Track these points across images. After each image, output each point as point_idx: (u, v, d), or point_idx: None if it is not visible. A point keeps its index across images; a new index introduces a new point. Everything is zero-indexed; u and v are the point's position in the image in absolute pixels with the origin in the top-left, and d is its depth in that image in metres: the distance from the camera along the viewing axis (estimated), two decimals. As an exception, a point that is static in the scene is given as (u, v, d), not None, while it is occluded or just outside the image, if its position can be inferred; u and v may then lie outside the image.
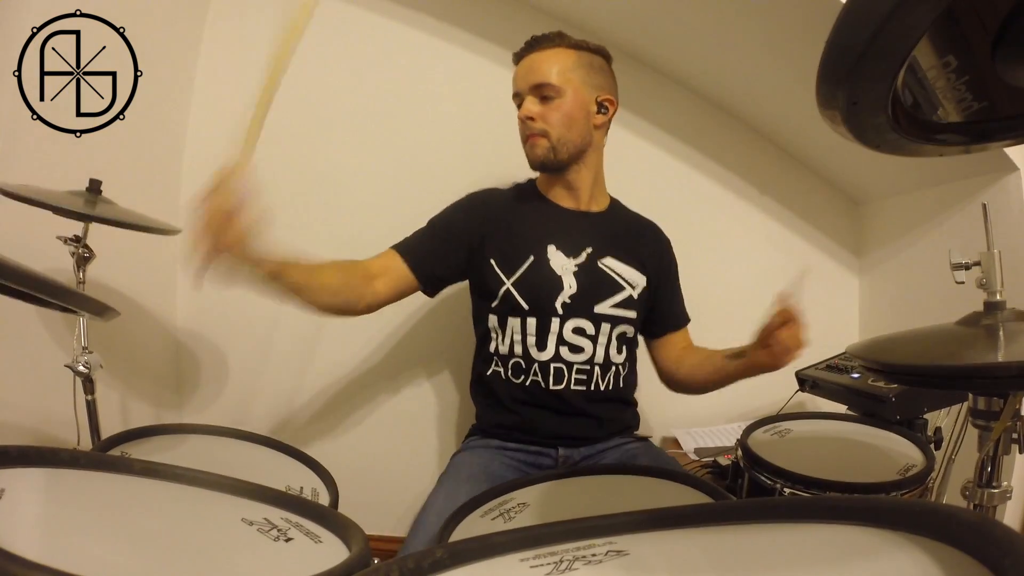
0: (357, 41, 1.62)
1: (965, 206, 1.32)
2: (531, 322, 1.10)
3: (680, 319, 1.26)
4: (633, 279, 1.15)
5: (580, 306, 1.10)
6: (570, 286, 1.11)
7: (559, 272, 1.11)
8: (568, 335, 1.10)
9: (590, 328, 1.11)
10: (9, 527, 0.49)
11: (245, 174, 0.79)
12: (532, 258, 1.11)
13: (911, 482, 0.91)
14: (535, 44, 1.11)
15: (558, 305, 1.10)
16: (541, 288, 1.10)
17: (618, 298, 1.13)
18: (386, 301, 1.10)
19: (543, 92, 1.08)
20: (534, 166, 1.13)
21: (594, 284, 1.12)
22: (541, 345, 1.10)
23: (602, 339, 1.12)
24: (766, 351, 0.95)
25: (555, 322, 1.10)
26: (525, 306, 1.10)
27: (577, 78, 1.09)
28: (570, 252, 1.13)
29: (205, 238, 0.76)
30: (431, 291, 1.16)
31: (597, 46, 1.13)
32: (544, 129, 1.08)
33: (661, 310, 1.22)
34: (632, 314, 1.14)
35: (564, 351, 1.10)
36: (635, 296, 1.15)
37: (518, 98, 1.13)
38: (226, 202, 0.76)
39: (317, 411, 1.64)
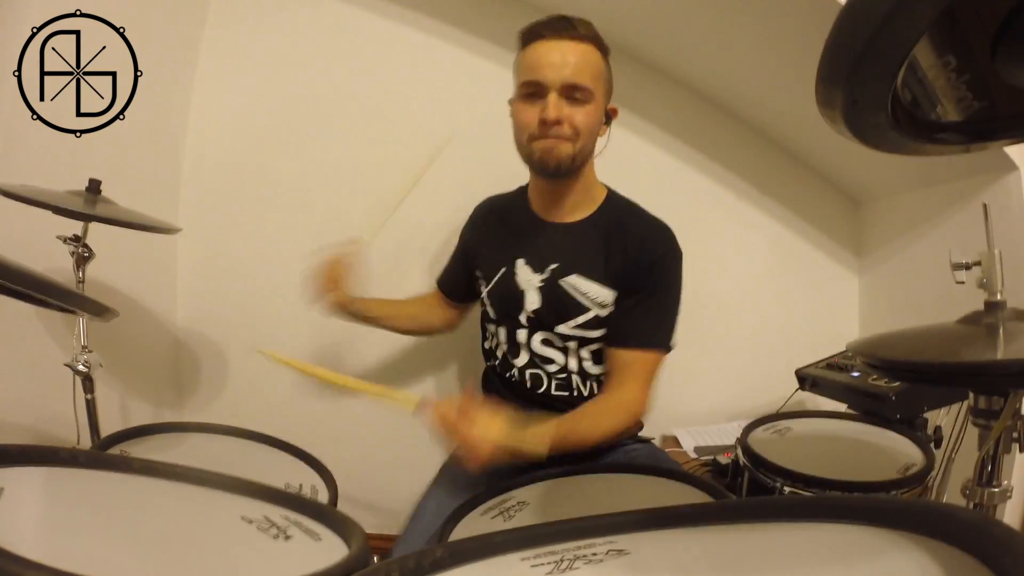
0: (360, 43, 1.62)
1: (965, 206, 1.32)
2: (501, 331, 1.13)
3: (633, 339, 1.01)
4: (600, 297, 1.04)
5: (544, 323, 1.08)
6: (532, 302, 1.08)
7: (523, 287, 1.09)
8: (537, 346, 1.10)
9: (557, 342, 1.09)
10: (9, 527, 0.49)
11: (360, 250, 1.13)
12: (503, 270, 1.11)
13: (911, 481, 0.91)
14: (567, 29, 0.96)
15: (523, 319, 1.09)
16: (506, 301, 1.11)
17: (581, 319, 1.05)
18: (458, 320, 1.36)
19: (574, 94, 0.96)
20: (546, 170, 1.01)
21: (556, 304, 1.06)
22: (513, 353, 1.12)
23: (572, 353, 1.09)
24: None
25: (522, 333, 1.10)
26: (493, 316, 1.14)
27: (602, 85, 1.00)
28: (536, 267, 1.08)
29: (316, 290, 1.13)
30: (469, 301, 1.31)
31: (606, 44, 1.03)
32: (573, 133, 0.96)
33: (620, 320, 1.03)
34: (599, 332, 1.06)
35: (537, 360, 1.11)
36: (602, 315, 1.04)
37: (534, 87, 0.96)
38: (333, 272, 1.13)
39: (317, 409, 1.64)
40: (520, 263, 1.10)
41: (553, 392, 1.10)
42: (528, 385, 1.11)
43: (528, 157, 1.02)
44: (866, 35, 0.31)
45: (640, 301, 1.03)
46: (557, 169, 1.00)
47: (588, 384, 1.10)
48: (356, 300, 1.16)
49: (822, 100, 0.38)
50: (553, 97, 0.95)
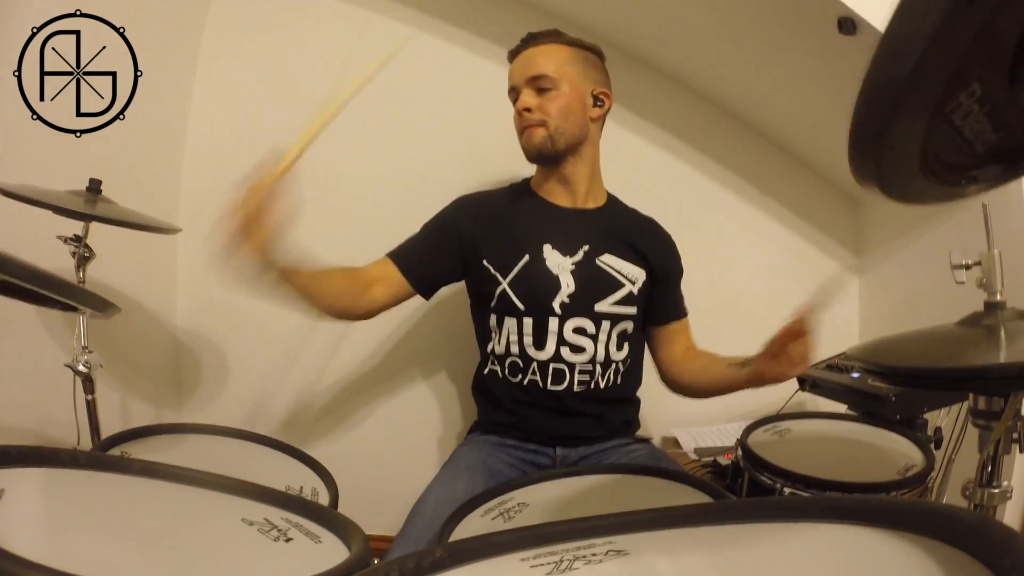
0: (360, 43, 1.61)
1: (965, 206, 1.31)
2: (527, 322, 1.09)
3: (679, 310, 1.22)
4: (633, 275, 1.14)
5: (580, 305, 1.09)
6: (568, 285, 1.09)
7: (555, 271, 1.10)
8: (569, 335, 1.09)
9: (591, 327, 1.10)
10: (9, 527, 0.49)
11: (280, 177, 0.81)
12: (527, 258, 1.10)
13: (911, 482, 0.91)
14: (530, 40, 1.13)
15: (556, 305, 1.09)
16: (538, 288, 1.09)
17: (618, 295, 1.12)
18: (384, 307, 1.12)
19: (539, 84, 1.09)
20: (531, 156, 1.13)
21: (593, 282, 1.11)
22: (539, 345, 1.09)
23: (603, 337, 1.11)
24: (773, 361, 0.88)
25: (554, 322, 1.09)
26: (521, 306, 1.09)
27: (573, 71, 1.11)
28: (566, 251, 1.11)
29: (235, 234, 0.79)
30: (426, 294, 1.17)
31: (591, 44, 1.15)
32: (541, 119, 1.08)
33: (661, 301, 1.19)
34: (632, 310, 1.13)
35: (565, 351, 1.09)
36: (635, 292, 1.13)
37: (514, 93, 1.13)
38: (259, 202, 0.79)
39: (317, 410, 1.64)
40: (547, 248, 1.11)
41: (575, 388, 1.10)
42: (546, 383, 1.09)
43: (523, 151, 1.14)
44: (887, 111, 0.31)
45: (671, 282, 1.21)
46: (538, 153, 1.11)
47: (607, 375, 1.12)
48: (283, 261, 0.85)
49: (856, 172, 0.38)
50: (524, 92, 1.11)
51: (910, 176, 0.38)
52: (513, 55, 1.15)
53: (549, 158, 1.12)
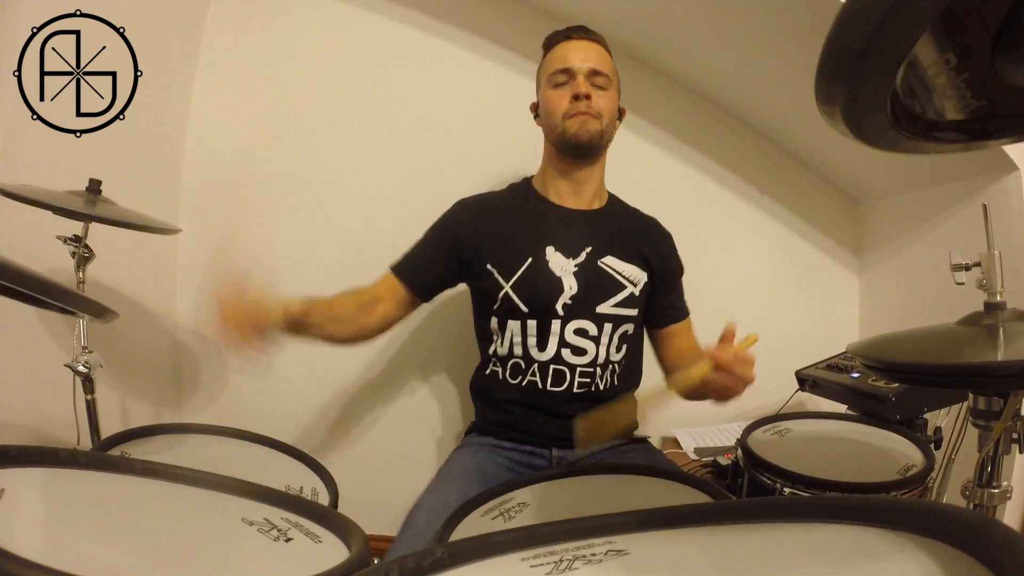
0: (360, 43, 1.62)
1: (965, 206, 1.32)
2: (531, 324, 1.09)
3: (681, 311, 1.23)
4: (634, 276, 1.14)
5: (582, 307, 1.09)
6: (570, 287, 1.09)
7: (558, 273, 1.10)
8: (570, 337, 1.09)
9: (592, 329, 1.10)
10: (9, 527, 0.49)
11: (237, 255, 0.90)
12: (530, 260, 1.10)
13: (911, 482, 0.91)
14: (587, 33, 1.14)
15: (559, 307, 1.09)
16: (541, 290, 1.09)
17: (620, 297, 1.12)
18: (394, 320, 1.16)
19: (597, 80, 1.10)
20: (580, 144, 1.09)
21: (595, 284, 1.11)
22: (542, 346, 1.09)
23: (604, 339, 1.11)
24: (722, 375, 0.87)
25: (556, 324, 1.09)
26: (524, 308, 1.09)
27: (616, 82, 1.16)
28: (569, 252, 1.11)
29: (226, 327, 0.87)
30: (427, 298, 1.19)
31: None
32: (599, 112, 1.09)
33: (662, 303, 1.20)
34: (634, 312, 1.13)
35: (566, 353, 1.09)
36: (636, 294, 1.13)
37: (565, 75, 1.11)
38: (230, 287, 0.88)
39: (317, 411, 1.64)
40: (550, 250, 1.11)
41: (575, 390, 1.10)
42: (547, 385, 1.09)
43: (561, 136, 1.11)
44: (867, 32, 0.31)
45: (671, 283, 1.22)
46: (589, 143, 1.10)
47: (605, 377, 1.12)
48: (286, 315, 0.95)
49: (821, 97, 0.38)
50: (582, 78, 1.09)
51: (875, 113, 0.38)
52: (563, 38, 1.14)
53: (588, 152, 1.12)
